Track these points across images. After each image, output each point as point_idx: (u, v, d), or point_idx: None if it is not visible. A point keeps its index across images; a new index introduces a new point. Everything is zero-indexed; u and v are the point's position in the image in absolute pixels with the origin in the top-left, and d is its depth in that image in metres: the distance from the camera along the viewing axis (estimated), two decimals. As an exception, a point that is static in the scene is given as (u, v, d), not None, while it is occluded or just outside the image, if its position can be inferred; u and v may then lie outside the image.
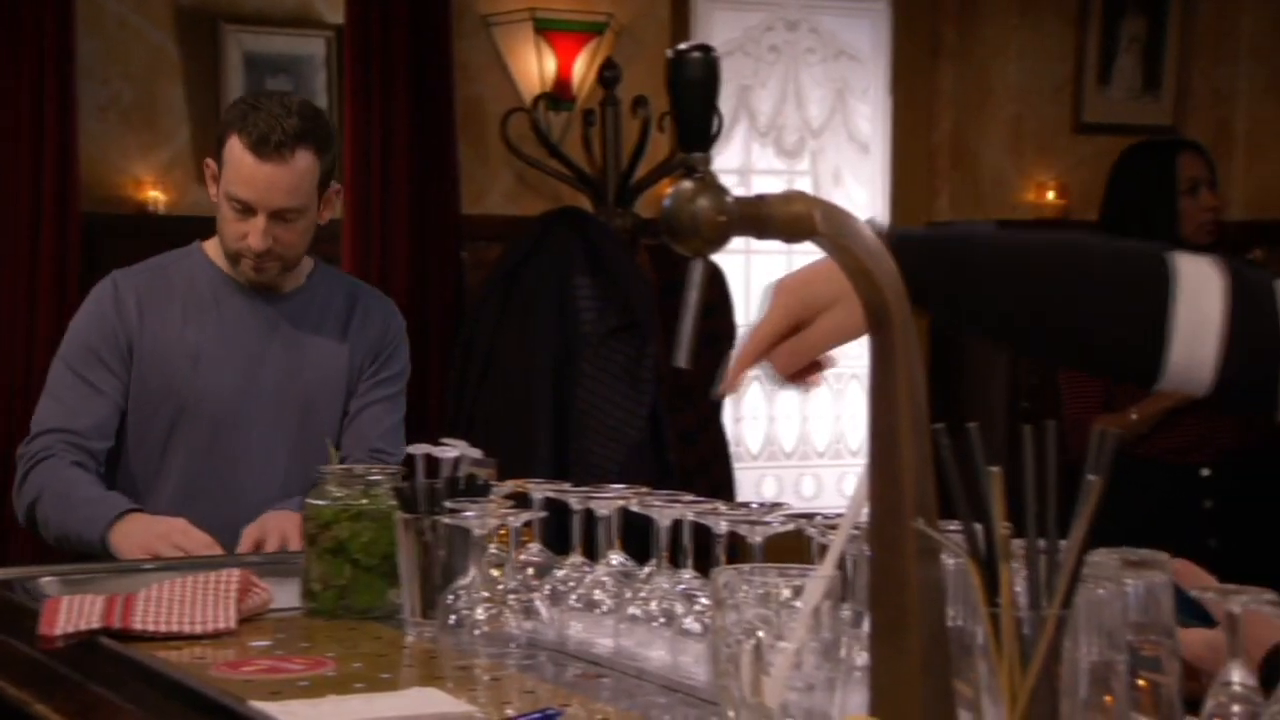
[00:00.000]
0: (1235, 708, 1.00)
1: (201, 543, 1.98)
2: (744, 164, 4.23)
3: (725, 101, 4.12)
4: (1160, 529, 3.07)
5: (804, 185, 4.28)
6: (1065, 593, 0.98)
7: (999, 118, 4.39)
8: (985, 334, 1.18)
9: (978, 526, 1.01)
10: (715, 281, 3.60)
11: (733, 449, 4.02)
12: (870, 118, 4.36)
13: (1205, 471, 3.20)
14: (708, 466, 3.74)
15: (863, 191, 4.39)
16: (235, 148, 2.13)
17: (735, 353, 1.27)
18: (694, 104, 1.07)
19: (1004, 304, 1.10)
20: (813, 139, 4.30)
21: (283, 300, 2.25)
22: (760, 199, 1.09)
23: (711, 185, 1.06)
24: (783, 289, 1.29)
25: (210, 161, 2.23)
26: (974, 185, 4.43)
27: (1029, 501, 1.00)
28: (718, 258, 3.80)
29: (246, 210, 2.14)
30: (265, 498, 2.12)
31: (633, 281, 3.53)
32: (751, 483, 4.27)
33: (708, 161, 1.07)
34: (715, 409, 3.72)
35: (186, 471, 2.18)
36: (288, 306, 2.25)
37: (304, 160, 2.14)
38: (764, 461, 4.25)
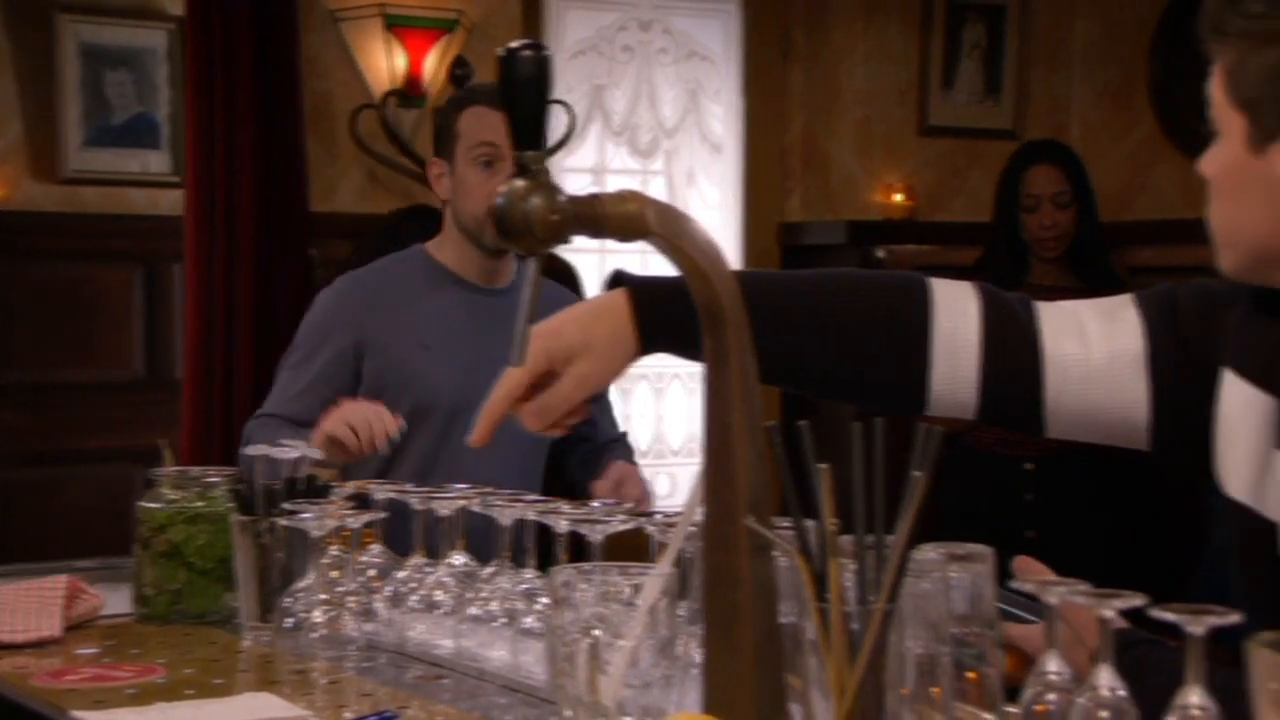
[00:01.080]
0: (1051, 696, 1.03)
1: (377, 425, 2.03)
2: (598, 163, 4.23)
3: (579, 101, 4.12)
4: (981, 518, 3.17)
5: (658, 185, 4.30)
6: (891, 587, 1.00)
7: (848, 120, 4.46)
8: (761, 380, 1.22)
9: (807, 523, 1.02)
10: (569, 281, 3.59)
11: (655, 446, 4.03)
12: (723, 118, 4.39)
13: (1028, 465, 3.29)
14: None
15: (716, 192, 4.42)
16: (474, 112, 2.33)
17: (485, 405, 1.27)
18: (526, 103, 1.06)
19: (768, 355, 1.12)
20: (666, 139, 4.32)
21: (500, 294, 2.33)
22: (594, 198, 1.09)
23: (544, 184, 1.06)
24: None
25: (437, 160, 2.38)
26: (824, 186, 4.50)
27: (857, 498, 1.02)
28: (571, 257, 3.80)
29: (494, 161, 2.29)
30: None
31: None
32: (670, 480, 4.30)
33: (541, 160, 1.07)
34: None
35: (421, 465, 2.24)
36: (505, 300, 2.32)
37: None
38: (652, 460, 4.25)
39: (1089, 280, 3.33)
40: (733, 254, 4.44)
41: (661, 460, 4.30)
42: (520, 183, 1.06)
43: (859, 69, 4.43)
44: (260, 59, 3.62)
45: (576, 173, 4.14)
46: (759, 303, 1.12)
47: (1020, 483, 3.28)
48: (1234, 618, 0.93)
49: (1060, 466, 3.25)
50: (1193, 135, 3.40)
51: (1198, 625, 0.94)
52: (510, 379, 1.26)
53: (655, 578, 1.11)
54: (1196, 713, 0.93)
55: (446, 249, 2.38)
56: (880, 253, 4.33)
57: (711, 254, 1.12)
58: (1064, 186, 3.37)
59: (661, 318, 1.29)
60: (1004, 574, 1.14)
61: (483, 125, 2.31)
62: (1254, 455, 1.22)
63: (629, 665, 1.09)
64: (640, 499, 2.15)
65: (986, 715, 1.10)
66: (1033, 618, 1.22)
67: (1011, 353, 1.31)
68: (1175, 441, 1.33)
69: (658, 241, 1.11)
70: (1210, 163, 1.20)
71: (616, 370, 1.28)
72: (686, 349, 1.25)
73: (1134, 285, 4.65)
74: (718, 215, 4.41)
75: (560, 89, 4.05)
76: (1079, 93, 4.69)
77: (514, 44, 1.06)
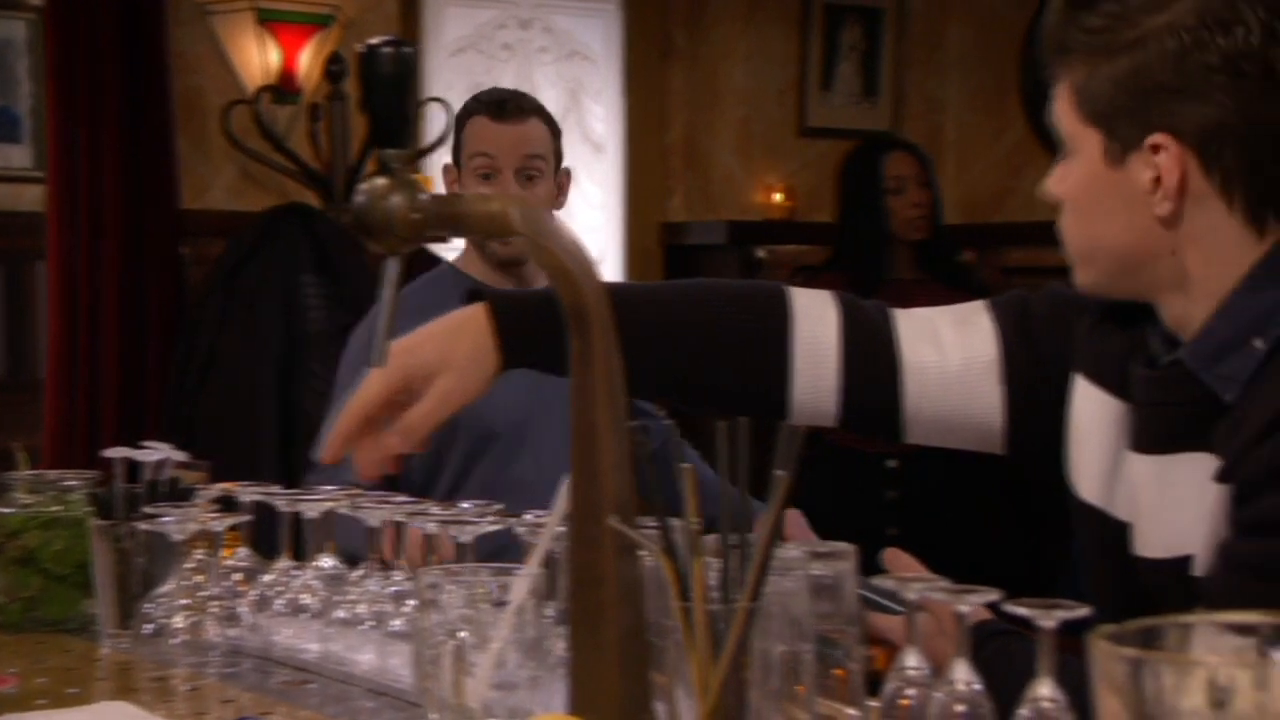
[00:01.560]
0: (910, 691, 1.04)
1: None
2: (478, 162, 4.21)
3: (458, 99, 4.06)
4: (844, 515, 3.21)
5: (538, 183, 4.29)
6: (754, 585, 1.00)
7: (728, 120, 4.49)
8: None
9: (672, 522, 1.03)
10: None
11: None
12: (604, 118, 4.39)
13: (892, 463, 3.34)
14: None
15: (598, 191, 4.42)
16: (475, 122, 2.30)
17: (334, 423, 1.26)
18: (387, 100, 1.05)
19: (631, 368, 1.13)
20: (547, 138, 4.31)
21: None
22: (456, 197, 1.09)
23: (405, 182, 1.05)
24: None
25: (450, 167, 2.32)
26: (706, 186, 4.53)
27: (722, 496, 1.02)
28: (449, 256, 3.77)
29: (491, 173, 2.26)
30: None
31: (362, 279, 3.47)
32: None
33: (403, 158, 1.06)
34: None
35: (484, 493, 2.10)
36: None
37: (536, 128, 2.30)
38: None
39: (941, 271, 3.40)
40: (615, 254, 4.44)
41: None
42: (381, 181, 1.05)
43: (738, 69, 4.46)
44: (126, 52, 3.53)
45: (458, 171, 4.11)
46: (621, 315, 1.12)
47: (883, 480, 3.33)
48: (1083, 611, 0.96)
49: (923, 464, 3.30)
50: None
51: (1048, 619, 0.96)
52: (364, 396, 1.25)
53: (523, 578, 1.11)
54: (1047, 704, 0.96)
55: (473, 263, 2.30)
56: (761, 253, 4.37)
57: (576, 254, 1.12)
58: (921, 169, 3.44)
59: (523, 331, 1.29)
60: (870, 570, 1.16)
61: (482, 137, 2.29)
62: (1104, 458, 1.24)
63: (495, 667, 1.09)
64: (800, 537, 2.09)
65: (850, 711, 1.12)
66: (899, 608, 1.23)
67: (870, 361, 1.33)
68: (1031, 446, 1.36)
69: (521, 240, 1.11)
70: (1062, 182, 1.21)
71: (479, 387, 1.27)
72: (549, 362, 1.24)
73: (987, 278, 4.77)
74: (600, 215, 4.41)
75: (439, 87, 4.02)
76: (954, 95, 4.77)
77: (374, 40, 1.05)
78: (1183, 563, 1.14)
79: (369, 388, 1.25)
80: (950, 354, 1.33)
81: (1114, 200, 1.17)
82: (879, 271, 3.35)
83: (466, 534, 1.32)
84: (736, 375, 1.32)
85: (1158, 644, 0.65)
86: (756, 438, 1.02)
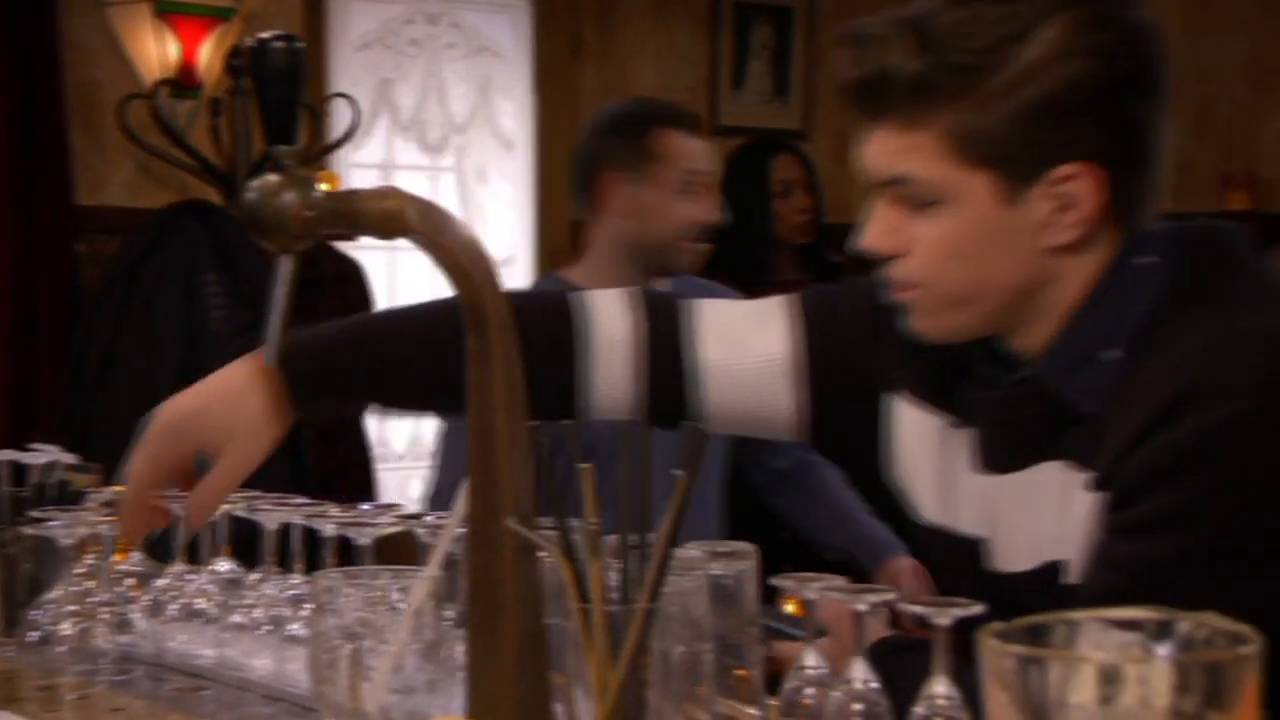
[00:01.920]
0: (809, 690, 1.05)
1: None
2: (386, 159, 4.16)
3: (365, 95, 4.03)
4: (742, 518, 3.23)
5: (448, 182, 4.26)
6: (653, 586, 1.00)
7: (639, 119, 4.49)
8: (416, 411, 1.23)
9: (570, 523, 1.02)
10: (355, 280, 3.53)
11: (378, 450, 3.96)
12: (514, 115, 4.37)
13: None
14: (349, 468, 3.66)
15: (509, 189, 4.40)
16: (677, 136, 2.28)
17: (124, 506, 1.28)
18: (279, 96, 1.04)
19: (428, 379, 1.13)
20: (457, 135, 4.27)
21: None
22: (351, 194, 1.07)
23: (298, 179, 1.03)
24: (157, 428, 1.27)
25: (617, 174, 2.27)
26: (616, 184, 4.52)
27: (624, 497, 1.02)
28: (360, 255, 3.74)
29: (697, 185, 2.28)
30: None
31: (265, 278, 3.41)
32: (398, 484, 4.21)
33: (294, 154, 1.04)
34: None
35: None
36: None
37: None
38: (410, 462, 4.19)
39: (823, 273, 3.44)
40: (526, 253, 4.42)
41: (420, 462, 4.24)
42: (272, 178, 1.03)
43: (649, 67, 4.46)
44: (17, 43, 3.44)
45: (364, 168, 4.07)
46: (427, 335, 1.11)
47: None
48: (977, 609, 0.97)
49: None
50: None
51: (943, 617, 0.97)
52: (140, 478, 1.25)
53: (422, 581, 1.10)
54: (942, 702, 0.97)
55: (601, 271, 2.24)
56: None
57: (474, 252, 1.11)
58: (806, 173, 3.46)
59: (315, 380, 1.28)
60: (769, 570, 1.16)
61: (691, 152, 2.29)
62: (939, 477, 1.25)
63: (393, 670, 1.08)
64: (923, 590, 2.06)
65: (749, 710, 1.12)
66: (799, 633, 1.23)
67: (664, 360, 1.32)
68: (836, 444, 1.37)
69: (417, 239, 1.09)
70: (931, 234, 1.14)
71: (268, 446, 1.26)
72: (349, 402, 1.24)
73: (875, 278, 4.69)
74: (510, 213, 4.39)
75: (345, 83, 3.97)
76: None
77: (265, 35, 1.04)
78: (1049, 570, 1.15)
79: (142, 469, 1.26)
80: (743, 353, 1.32)
81: (1006, 238, 1.12)
82: (764, 274, 3.36)
83: (364, 536, 1.31)
84: (538, 376, 1.33)
85: (1045, 641, 0.66)
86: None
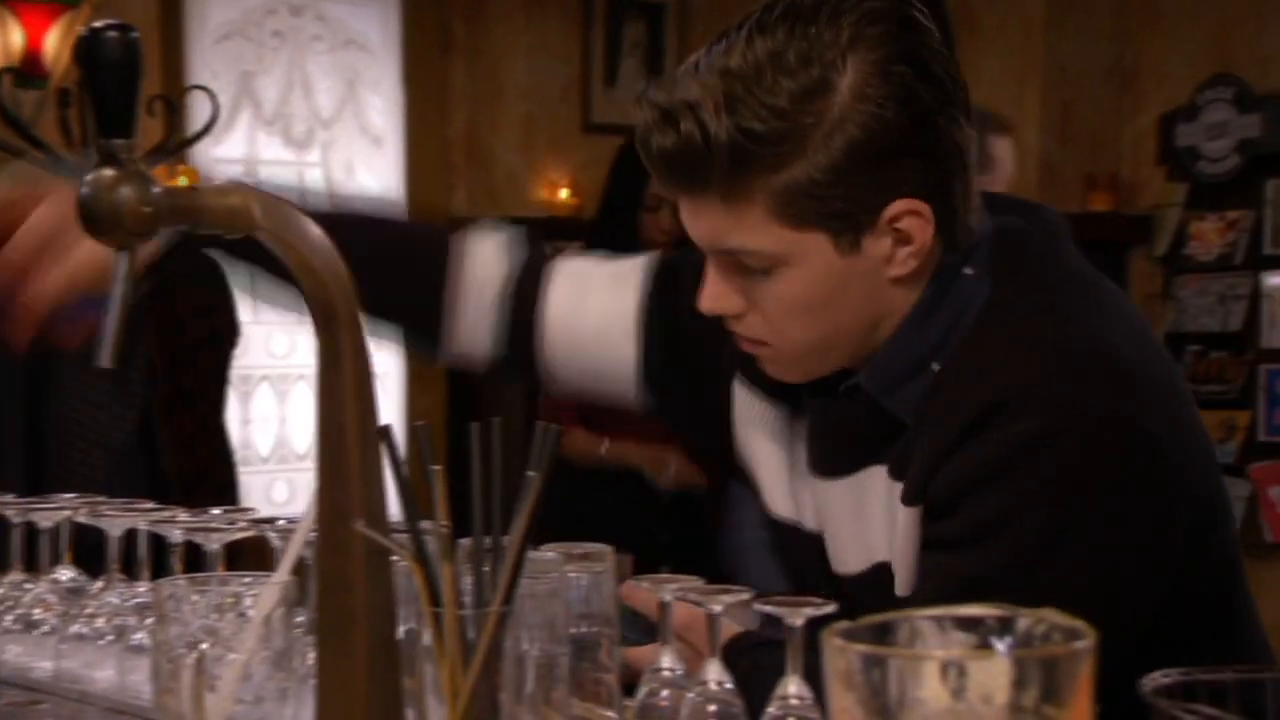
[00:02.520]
0: (664, 692, 1.04)
1: None
2: (249, 154, 4.07)
3: (226, 88, 3.95)
4: (618, 524, 3.25)
5: (314, 177, 4.19)
6: (506, 589, 0.98)
7: (511, 115, 4.46)
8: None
9: (423, 526, 1.00)
10: (215, 277, 3.45)
11: (241, 453, 3.88)
12: (383, 110, 4.31)
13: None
14: (210, 472, 3.58)
15: (377, 185, 4.34)
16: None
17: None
18: (112, 87, 1.00)
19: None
20: (323, 130, 4.20)
21: None
22: (193, 190, 1.04)
23: (135, 174, 1.00)
24: None
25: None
26: (489, 181, 4.49)
27: (476, 499, 1.00)
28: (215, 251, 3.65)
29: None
30: None
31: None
32: (262, 487, 4.13)
33: (131, 149, 1.01)
34: (215, 411, 3.57)
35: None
36: None
37: None
38: (275, 465, 4.11)
39: None
40: (396, 248, 4.36)
41: (285, 465, 4.18)
42: (108, 173, 1.00)
43: (521, 64, 4.43)
44: None
45: (226, 163, 3.98)
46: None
47: (654, 486, 3.36)
48: (830, 608, 0.97)
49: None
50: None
51: (796, 617, 0.97)
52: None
53: (271, 587, 1.07)
54: (795, 701, 0.97)
55: None
56: (546, 250, 4.35)
57: (324, 250, 1.08)
58: None
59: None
60: (645, 570, 1.15)
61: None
62: (781, 472, 1.26)
63: (240, 680, 1.05)
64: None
65: (606, 713, 1.11)
66: (646, 639, 1.23)
67: (521, 310, 1.33)
68: (681, 411, 1.37)
69: (264, 236, 1.06)
70: (774, 295, 1.12)
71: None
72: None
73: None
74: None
75: (204, 75, 3.87)
76: (736, 95, 4.83)
77: (98, 24, 1.00)
78: (881, 569, 1.16)
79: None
80: (588, 305, 1.32)
81: (854, 283, 1.12)
82: None
83: (213, 541, 1.27)
84: (402, 307, 1.32)
85: (888, 639, 0.66)
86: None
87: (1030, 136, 4.13)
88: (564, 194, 4.47)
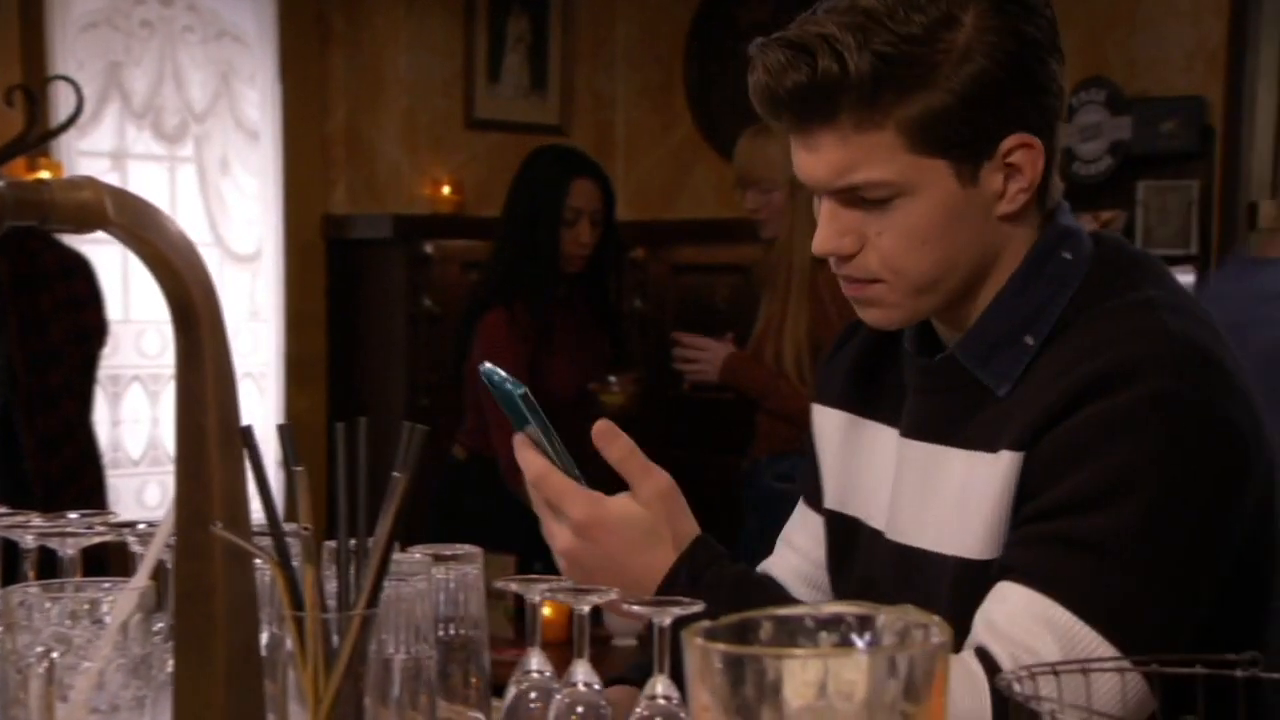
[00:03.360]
0: (533, 694, 1.04)
1: None
2: (118, 148, 3.95)
3: (92, 79, 3.82)
4: (503, 524, 3.23)
5: (188, 172, 4.08)
6: (370, 592, 0.97)
7: (392, 110, 4.39)
8: None
9: (287, 528, 0.98)
10: (84, 274, 3.35)
11: (111, 455, 3.78)
12: (259, 104, 4.21)
13: None
14: (76, 474, 3.48)
15: (254, 181, 4.24)
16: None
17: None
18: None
19: None
20: (196, 124, 4.09)
21: None
22: (40, 184, 1.00)
23: (-22, 167, 0.96)
24: None
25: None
26: (370, 177, 4.42)
27: (341, 500, 0.99)
28: (89, 251, 3.56)
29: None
30: None
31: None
32: (133, 490, 4.03)
33: (-26, 141, 0.97)
34: (82, 412, 3.47)
35: None
36: None
37: None
38: (147, 468, 4.01)
39: (594, 301, 3.40)
40: (274, 247, 4.28)
41: (157, 467, 4.08)
42: (-51, 164, 0.96)
43: (402, 57, 4.37)
44: None
45: (93, 156, 3.85)
46: None
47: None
48: (697, 607, 0.96)
49: (589, 465, 3.35)
50: (729, 138, 3.55)
51: (664, 616, 0.96)
52: None
53: (129, 592, 1.04)
54: (662, 701, 0.96)
55: None
56: (428, 248, 4.29)
57: (182, 247, 1.05)
58: (600, 204, 3.34)
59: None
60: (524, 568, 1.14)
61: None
62: (842, 466, 1.33)
63: (95, 688, 1.02)
64: None
65: (473, 714, 1.10)
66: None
67: None
68: None
69: (117, 232, 1.03)
70: (895, 227, 1.17)
71: None
72: None
73: (657, 275, 4.82)
74: (256, 206, 4.24)
75: (69, 65, 3.74)
76: (622, 91, 4.82)
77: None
78: (939, 559, 1.19)
79: None
80: None
81: (968, 216, 1.17)
82: (549, 294, 3.30)
83: (68, 547, 1.24)
84: None
85: (750, 638, 0.66)
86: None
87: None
88: (446, 190, 4.42)
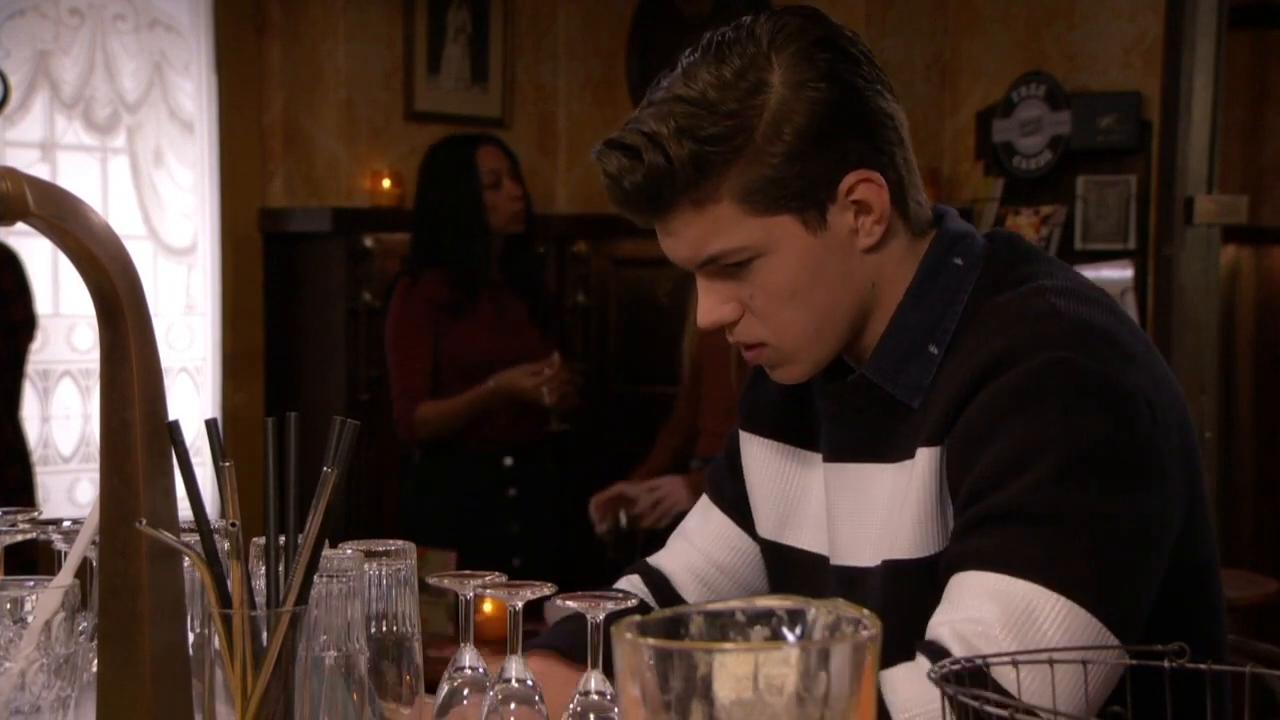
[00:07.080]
0: (466, 690, 1.03)
1: None
2: (48, 138, 3.88)
3: (19, 67, 3.75)
4: (472, 515, 3.24)
5: (121, 164, 4.02)
6: (299, 589, 0.95)
7: (331, 101, 4.35)
8: None
9: (218, 525, 0.97)
10: (12, 267, 3.30)
11: (41, 451, 3.73)
12: (194, 95, 4.14)
13: (508, 461, 3.38)
14: (2, 470, 3.43)
15: (189, 174, 4.18)
16: None
17: None
18: None
19: None
20: (129, 114, 4.02)
21: None
22: (-43, 174, 0.97)
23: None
24: None
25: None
26: (309, 170, 4.37)
27: (269, 496, 0.97)
28: (15, 242, 3.50)
29: None
30: None
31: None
32: (63, 487, 3.97)
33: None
34: (10, 406, 3.42)
35: None
36: None
37: None
38: (79, 464, 3.95)
39: (524, 265, 3.47)
40: (210, 241, 4.22)
41: (89, 464, 4.02)
42: None
43: (341, 48, 4.32)
44: None
45: (22, 147, 3.79)
46: None
47: (503, 479, 3.36)
48: (632, 602, 0.96)
49: (537, 460, 3.40)
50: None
51: (597, 612, 0.96)
52: None
53: (52, 591, 1.03)
54: (595, 697, 0.96)
55: None
56: (368, 241, 4.26)
57: (105, 238, 1.03)
58: (510, 163, 3.47)
59: None
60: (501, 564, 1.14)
61: None
62: (779, 497, 1.34)
63: (17, 689, 1.00)
64: None
65: (405, 710, 1.09)
66: None
67: None
68: None
69: (39, 224, 1.01)
70: (762, 288, 1.20)
71: None
72: None
73: (598, 269, 4.83)
74: (192, 198, 4.18)
75: (-5, 53, 3.68)
76: (564, 84, 4.80)
77: None
78: (888, 567, 1.20)
79: None
80: None
81: (831, 259, 1.20)
82: (483, 267, 3.36)
83: (-7, 545, 1.21)
84: None
85: (681, 633, 0.66)
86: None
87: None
88: (386, 183, 4.38)
